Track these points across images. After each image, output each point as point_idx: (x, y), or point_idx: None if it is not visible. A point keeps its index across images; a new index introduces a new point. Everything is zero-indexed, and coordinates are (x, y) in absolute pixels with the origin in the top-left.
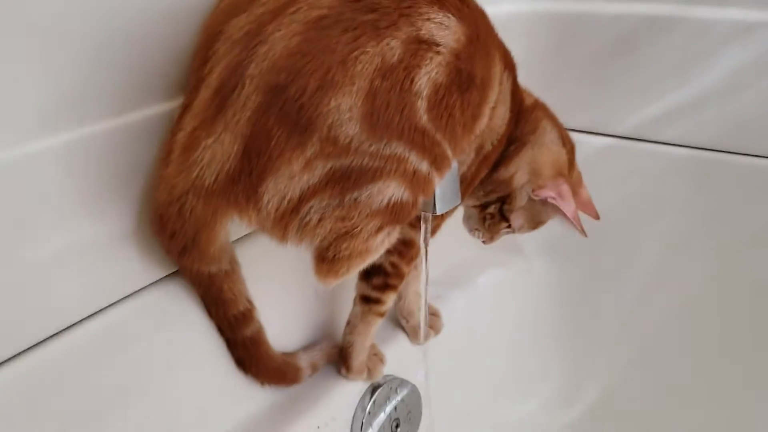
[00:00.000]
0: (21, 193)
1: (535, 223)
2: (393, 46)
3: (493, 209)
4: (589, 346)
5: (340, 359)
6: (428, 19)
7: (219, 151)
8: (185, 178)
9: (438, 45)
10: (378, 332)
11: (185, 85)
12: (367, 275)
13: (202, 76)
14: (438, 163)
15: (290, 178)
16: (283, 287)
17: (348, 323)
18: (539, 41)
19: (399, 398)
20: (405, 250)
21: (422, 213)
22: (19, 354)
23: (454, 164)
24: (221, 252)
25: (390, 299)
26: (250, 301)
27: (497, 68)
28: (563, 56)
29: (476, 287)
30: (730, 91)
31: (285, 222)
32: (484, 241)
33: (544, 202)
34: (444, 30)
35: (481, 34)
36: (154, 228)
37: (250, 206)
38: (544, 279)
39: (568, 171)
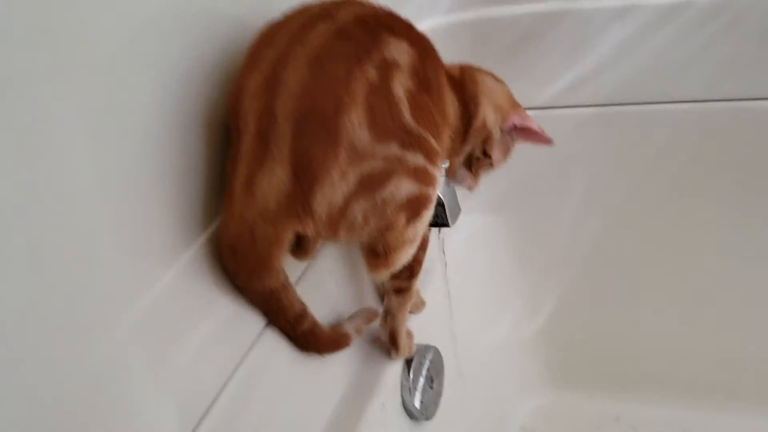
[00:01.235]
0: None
1: (506, 153)
2: (372, 72)
3: (478, 152)
4: (539, 273)
5: (389, 344)
6: (389, 46)
7: (274, 180)
8: (252, 208)
9: (399, 64)
10: None
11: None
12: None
13: (240, 128)
14: (429, 155)
15: (332, 188)
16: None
17: (385, 314)
18: (459, 45)
19: (428, 361)
20: (423, 245)
21: (438, 227)
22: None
23: (451, 186)
24: (282, 267)
25: (416, 283)
26: (302, 302)
27: (443, 77)
28: (481, 53)
29: (446, 252)
30: (616, 59)
31: (335, 224)
32: (469, 188)
33: (511, 131)
34: (400, 53)
35: (426, 50)
36: (225, 259)
37: (307, 217)
38: (494, 230)
39: None
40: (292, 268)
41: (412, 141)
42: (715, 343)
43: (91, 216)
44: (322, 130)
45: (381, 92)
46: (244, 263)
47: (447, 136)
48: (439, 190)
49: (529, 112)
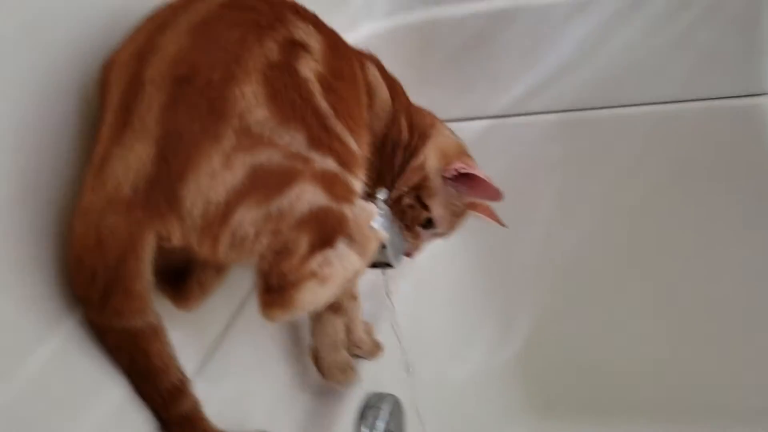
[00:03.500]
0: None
1: (452, 213)
2: (272, 48)
3: (410, 199)
4: (510, 294)
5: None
6: (296, 27)
7: (132, 159)
8: (101, 196)
9: (308, 46)
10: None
11: None
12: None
13: (104, 105)
14: (345, 159)
15: (212, 177)
16: None
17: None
18: (403, 51)
19: (387, 412)
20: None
21: (380, 268)
22: None
23: (392, 218)
24: (146, 294)
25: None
26: (182, 372)
27: (356, 67)
28: (427, 60)
29: (413, 274)
30: (579, 59)
31: (214, 232)
32: (408, 253)
33: (455, 183)
34: (309, 36)
35: (336, 42)
36: (72, 277)
37: (172, 214)
38: (456, 251)
39: None
40: (212, 314)
41: (322, 135)
42: (700, 362)
43: None
44: (202, 100)
45: (284, 68)
46: (92, 281)
47: (366, 142)
48: (378, 224)
49: (485, 122)
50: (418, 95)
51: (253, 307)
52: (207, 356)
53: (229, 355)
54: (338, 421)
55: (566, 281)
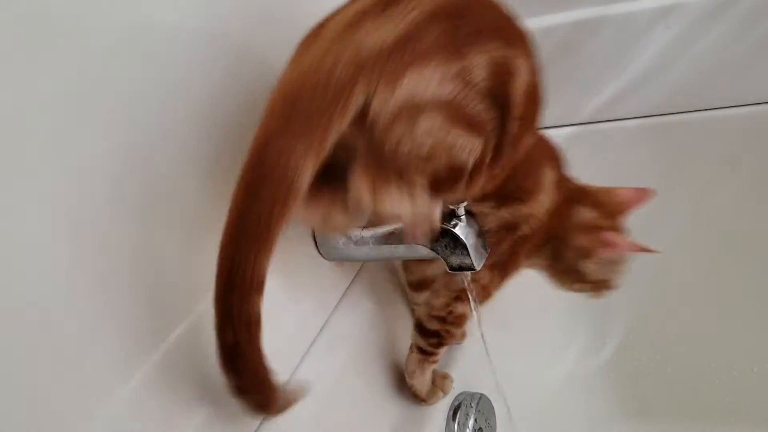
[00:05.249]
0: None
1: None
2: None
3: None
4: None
5: (413, 396)
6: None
7: (383, 30)
8: (344, 44)
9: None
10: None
11: None
12: (424, 332)
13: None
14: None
15: (426, 82)
16: None
17: (407, 368)
18: None
19: (476, 410)
20: (458, 321)
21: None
22: None
23: (474, 225)
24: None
25: (442, 352)
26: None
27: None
28: None
29: None
30: (664, 64)
31: (393, 126)
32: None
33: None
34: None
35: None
36: (270, 115)
37: (383, 81)
38: None
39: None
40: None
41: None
42: None
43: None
44: (462, 34)
45: None
46: (292, 117)
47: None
48: (459, 231)
49: (572, 129)
50: None
51: (349, 306)
52: (306, 352)
53: (325, 354)
54: (431, 417)
55: (657, 286)
